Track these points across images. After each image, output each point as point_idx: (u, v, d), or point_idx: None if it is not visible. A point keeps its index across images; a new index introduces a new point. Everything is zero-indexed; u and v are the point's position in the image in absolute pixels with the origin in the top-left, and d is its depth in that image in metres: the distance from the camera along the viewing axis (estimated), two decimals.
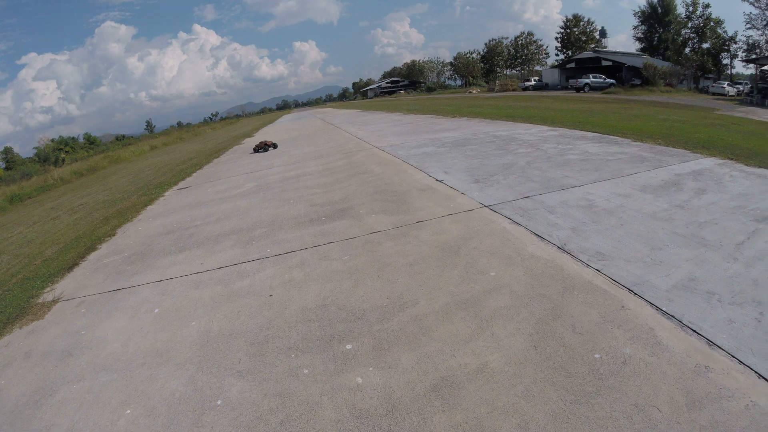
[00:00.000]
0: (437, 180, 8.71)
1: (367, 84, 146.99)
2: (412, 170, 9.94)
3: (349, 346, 3.71)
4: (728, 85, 49.72)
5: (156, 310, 4.85)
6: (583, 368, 3.15)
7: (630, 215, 5.87)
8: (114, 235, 8.27)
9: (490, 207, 6.66)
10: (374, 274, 4.95)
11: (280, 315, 4.35)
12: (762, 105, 34.50)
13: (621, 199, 6.47)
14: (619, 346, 3.34)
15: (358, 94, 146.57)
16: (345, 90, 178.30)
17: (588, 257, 4.78)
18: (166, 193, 12.14)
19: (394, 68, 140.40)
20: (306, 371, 3.47)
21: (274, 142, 19.22)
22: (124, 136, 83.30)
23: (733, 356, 3.18)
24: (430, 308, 4.13)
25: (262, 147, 18.69)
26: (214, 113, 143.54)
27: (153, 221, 8.97)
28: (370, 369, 3.41)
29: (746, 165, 8.47)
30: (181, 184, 13.44)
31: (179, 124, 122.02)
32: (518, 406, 2.90)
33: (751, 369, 3.06)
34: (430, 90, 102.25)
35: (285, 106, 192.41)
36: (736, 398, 2.81)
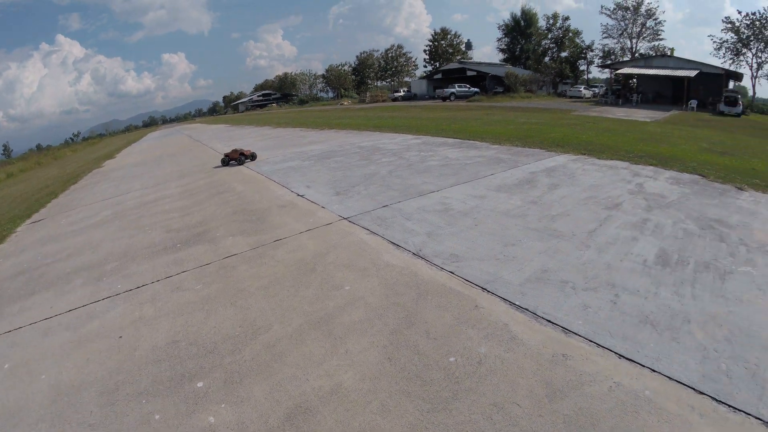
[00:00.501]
0: (299, 195, 8.70)
1: (238, 97, 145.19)
2: (275, 186, 9.93)
3: (200, 384, 3.54)
4: (585, 88, 56.69)
5: (6, 366, 4.37)
6: (439, 374, 3.19)
7: (485, 215, 6.23)
8: None
9: (349, 219, 6.74)
10: (227, 302, 4.80)
11: (130, 358, 4.08)
12: (616, 104, 40.07)
13: (477, 201, 6.87)
14: (474, 347, 3.44)
15: (228, 108, 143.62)
16: (215, 104, 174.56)
17: (442, 260, 4.94)
18: (18, 229, 10.94)
19: (266, 81, 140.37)
20: (157, 417, 3.27)
21: (252, 152, 15.19)
22: None
23: (590, 341, 3.40)
24: (283, 332, 4.05)
25: (236, 158, 14.62)
26: (76, 133, 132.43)
27: (3, 263, 8.04)
28: (223, 406, 3.26)
29: (598, 158, 9.45)
30: (35, 216, 12.27)
31: (39, 146, 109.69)
32: (374, 423, 2.85)
33: (611, 351, 3.29)
34: (302, 102, 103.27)
35: (152, 123, 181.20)
36: (598, 382, 2.98)
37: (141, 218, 9.26)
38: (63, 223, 10.49)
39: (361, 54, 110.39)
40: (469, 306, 3.99)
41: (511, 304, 3.97)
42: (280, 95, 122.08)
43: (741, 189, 7.47)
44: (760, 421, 2.65)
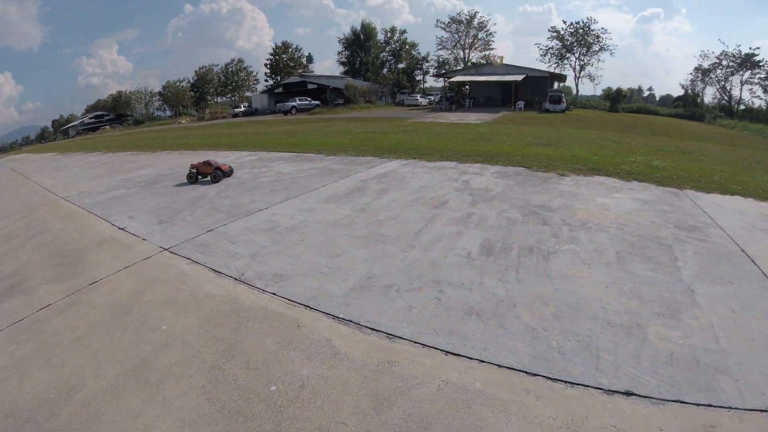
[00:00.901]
0: (120, 228, 7.96)
1: (68, 120, 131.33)
2: (95, 220, 9.02)
3: None
4: (421, 96, 60.18)
5: None
6: (260, 406, 3.01)
7: (312, 228, 6.16)
8: None
9: (170, 249, 6.27)
10: (41, 362, 4.22)
11: None
12: (450, 110, 43.21)
13: (305, 214, 6.79)
14: (296, 370, 3.30)
15: (58, 133, 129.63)
16: (44, 129, 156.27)
17: (265, 282, 4.75)
18: None
19: (99, 101, 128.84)
20: None
21: (230, 166, 11.35)
22: None
23: (416, 342, 3.41)
24: (98, 387, 3.63)
25: (209, 173, 11.05)
26: None
27: None
28: None
29: (428, 161, 9.84)
30: None
31: None
32: None
33: (437, 348, 3.31)
34: (137, 123, 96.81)
35: None
36: (425, 383, 2.97)
37: None
38: None
39: (200, 69, 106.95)
40: (292, 327, 3.85)
41: (335, 317, 3.89)
42: (114, 116, 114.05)
43: (563, 175, 8.17)
44: (600, 390, 2.78)
